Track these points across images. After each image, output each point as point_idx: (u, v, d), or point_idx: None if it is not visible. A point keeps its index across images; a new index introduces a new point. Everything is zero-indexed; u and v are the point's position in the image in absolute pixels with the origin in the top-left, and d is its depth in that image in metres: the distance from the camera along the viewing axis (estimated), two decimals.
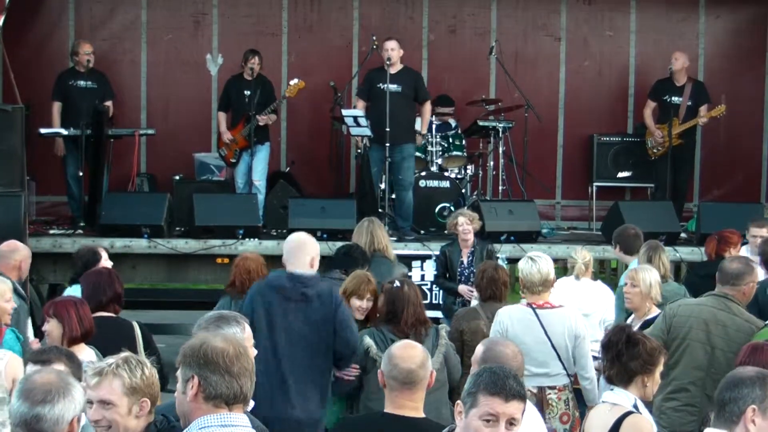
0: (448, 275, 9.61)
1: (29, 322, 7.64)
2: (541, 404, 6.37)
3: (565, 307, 6.74)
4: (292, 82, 11.83)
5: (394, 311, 6.32)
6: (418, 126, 11.90)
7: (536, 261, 6.69)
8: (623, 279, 7.81)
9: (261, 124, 11.62)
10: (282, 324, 6.21)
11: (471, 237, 9.47)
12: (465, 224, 9.42)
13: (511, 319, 6.54)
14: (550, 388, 6.45)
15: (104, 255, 7.77)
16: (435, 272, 10.10)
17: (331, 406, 6.46)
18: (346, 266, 7.58)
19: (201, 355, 3.27)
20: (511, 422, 3.58)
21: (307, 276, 6.28)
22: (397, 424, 4.42)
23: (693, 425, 5.98)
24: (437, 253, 9.98)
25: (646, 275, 6.78)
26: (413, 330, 6.26)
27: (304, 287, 6.22)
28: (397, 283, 6.44)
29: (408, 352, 4.47)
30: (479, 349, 4.67)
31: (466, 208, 10.67)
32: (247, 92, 11.71)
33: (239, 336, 4.09)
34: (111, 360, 3.98)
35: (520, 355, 4.68)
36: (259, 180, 11.74)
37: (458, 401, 3.68)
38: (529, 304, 6.60)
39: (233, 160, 11.93)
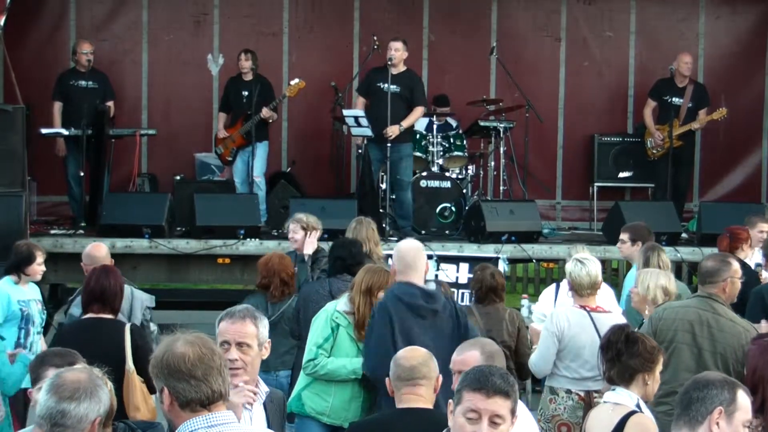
0: None
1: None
2: (589, 408, 6.25)
3: (615, 312, 6.75)
4: (292, 82, 11.85)
5: None
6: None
7: (585, 264, 6.62)
8: (629, 281, 7.80)
9: (264, 116, 11.60)
10: (420, 342, 5.93)
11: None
12: (293, 232, 8.63)
13: (568, 321, 6.53)
14: (596, 392, 6.40)
15: (39, 259, 7.61)
16: None
17: (357, 399, 6.45)
18: (358, 267, 7.30)
19: (164, 366, 3.26)
20: (494, 420, 3.44)
21: (435, 292, 6.24)
22: (407, 416, 4.57)
23: None
24: (438, 253, 9.89)
25: (646, 278, 6.78)
26: None
27: (435, 303, 6.09)
28: None
29: (410, 353, 4.74)
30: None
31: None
32: (245, 92, 11.76)
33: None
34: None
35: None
36: (259, 176, 11.75)
37: (450, 400, 3.59)
38: (583, 307, 6.56)
39: (229, 158, 11.97)
